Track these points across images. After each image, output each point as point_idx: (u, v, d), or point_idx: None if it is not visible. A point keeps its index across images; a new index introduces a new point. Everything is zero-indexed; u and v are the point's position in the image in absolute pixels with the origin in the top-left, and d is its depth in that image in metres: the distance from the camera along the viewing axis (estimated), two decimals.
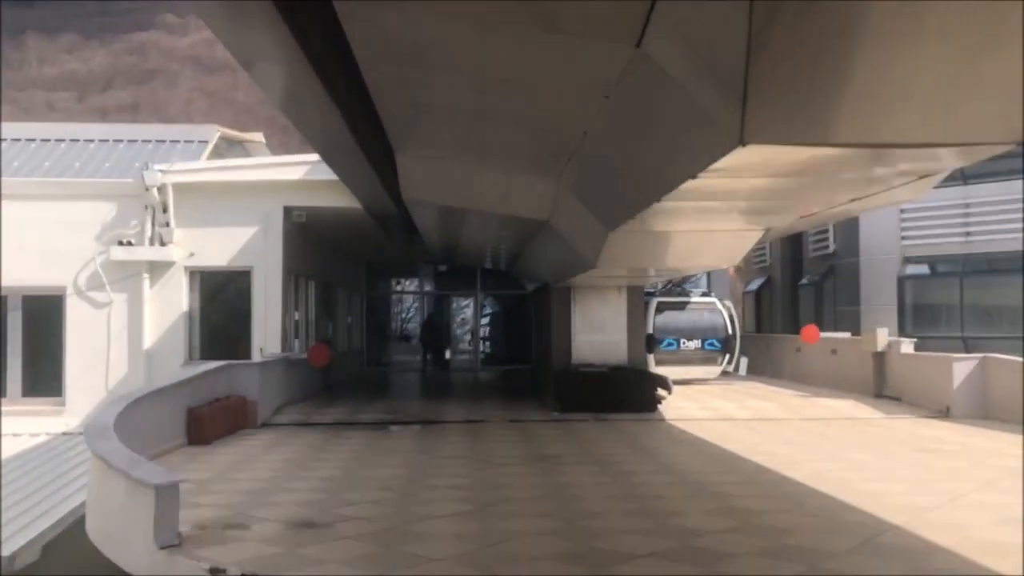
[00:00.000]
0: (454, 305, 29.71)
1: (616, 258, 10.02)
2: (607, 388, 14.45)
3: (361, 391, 19.13)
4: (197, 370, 13.07)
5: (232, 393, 13.23)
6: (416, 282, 27.51)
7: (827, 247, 23.92)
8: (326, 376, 20.71)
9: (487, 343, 30.79)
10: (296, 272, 17.02)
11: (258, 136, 18.05)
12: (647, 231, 8.81)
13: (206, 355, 15.37)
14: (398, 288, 31.16)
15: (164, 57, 64.64)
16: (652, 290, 18.16)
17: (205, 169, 15.30)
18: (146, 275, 15.24)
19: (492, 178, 10.23)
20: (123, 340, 15.12)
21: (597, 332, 15.49)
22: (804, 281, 26.24)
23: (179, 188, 14.92)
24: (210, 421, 11.80)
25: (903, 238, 20.95)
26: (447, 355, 27.32)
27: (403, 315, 35.55)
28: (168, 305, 15.25)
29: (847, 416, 14.04)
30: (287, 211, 15.59)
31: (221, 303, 15.71)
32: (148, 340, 15.19)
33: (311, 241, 18.40)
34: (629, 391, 14.46)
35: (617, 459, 10.40)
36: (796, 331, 25.67)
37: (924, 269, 21.41)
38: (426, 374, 25.32)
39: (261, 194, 15.45)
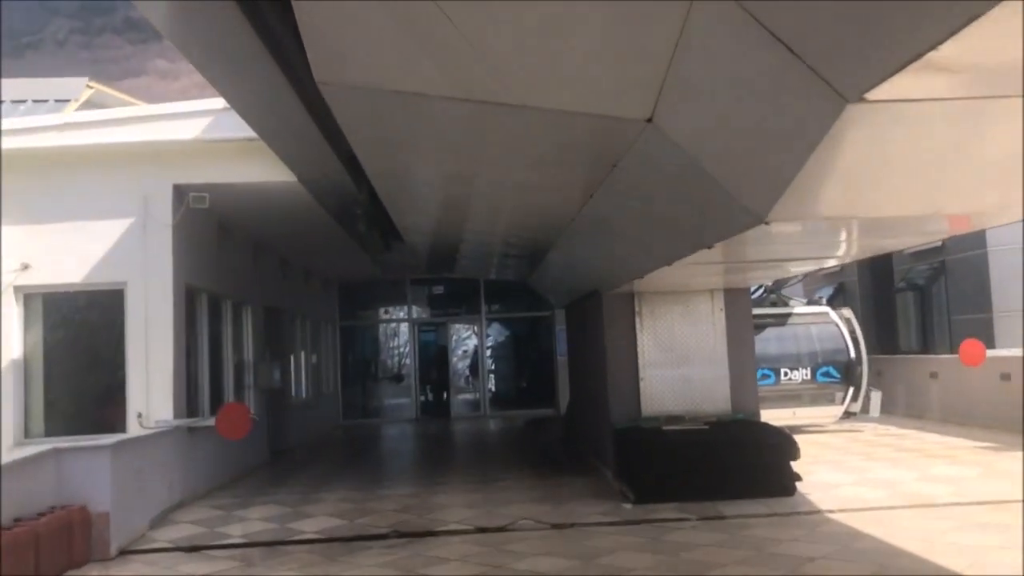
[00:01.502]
0: (453, 335, 23.86)
1: (834, 194, 4.32)
2: (711, 459, 8.61)
3: (322, 462, 13.24)
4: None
5: (62, 502, 7.47)
6: (405, 309, 21.65)
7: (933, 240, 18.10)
8: (277, 440, 14.82)
9: (496, 380, 24.93)
10: (209, 291, 11.23)
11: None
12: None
13: (55, 428, 9.56)
14: (385, 316, 25.37)
15: (156, 101, 61.53)
16: None
17: (40, 129, 9.54)
18: None
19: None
20: None
21: (680, 364, 9.69)
22: (901, 285, 20.47)
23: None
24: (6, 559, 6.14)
25: None
26: (446, 395, 21.43)
27: (392, 349, 29.70)
28: None
29: None
30: (180, 193, 9.84)
31: (78, 343, 9.90)
32: None
33: (240, 249, 12.64)
34: (748, 463, 8.62)
35: None
36: (893, 348, 19.91)
37: None
38: (420, 425, 19.42)
39: (135, 166, 9.72)
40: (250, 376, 13.20)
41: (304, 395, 17.17)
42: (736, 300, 9.88)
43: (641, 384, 9.69)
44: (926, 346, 19.33)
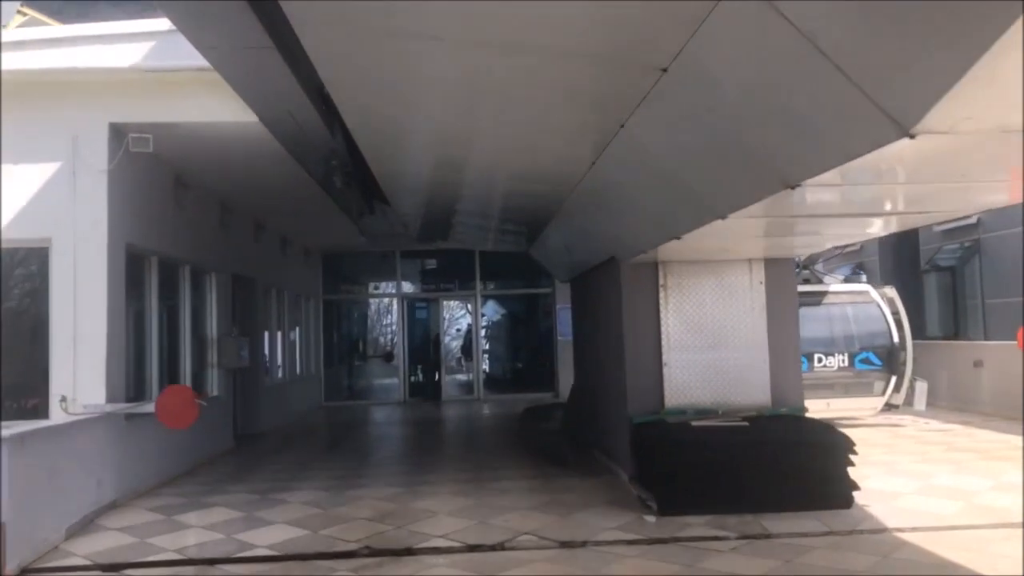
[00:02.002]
0: (446, 312, 22.33)
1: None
2: (752, 462, 7.10)
3: (294, 451, 11.72)
4: None
5: None
6: (394, 283, 20.01)
7: (967, 216, 16.57)
8: (247, 424, 13.31)
9: (491, 361, 23.43)
10: (161, 254, 9.66)
11: None
12: None
13: None
14: (372, 290, 23.76)
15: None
16: None
17: None
18: None
19: None
20: None
21: (711, 346, 8.16)
22: (928, 267, 18.96)
23: None
24: None
25: None
26: (438, 376, 19.91)
27: (380, 326, 28.15)
28: None
29: None
30: (118, 133, 8.23)
31: None
32: None
33: (202, 207, 11.05)
34: (797, 468, 7.11)
35: None
36: (920, 334, 18.42)
37: None
38: (407, 408, 17.91)
39: (61, 99, 8.10)
40: (213, 353, 11.65)
41: (280, 375, 15.63)
42: (778, 272, 8.33)
43: (665, 371, 8.16)
44: (957, 332, 17.84)
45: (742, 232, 6.57)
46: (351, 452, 11.59)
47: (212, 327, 11.70)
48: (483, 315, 20.77)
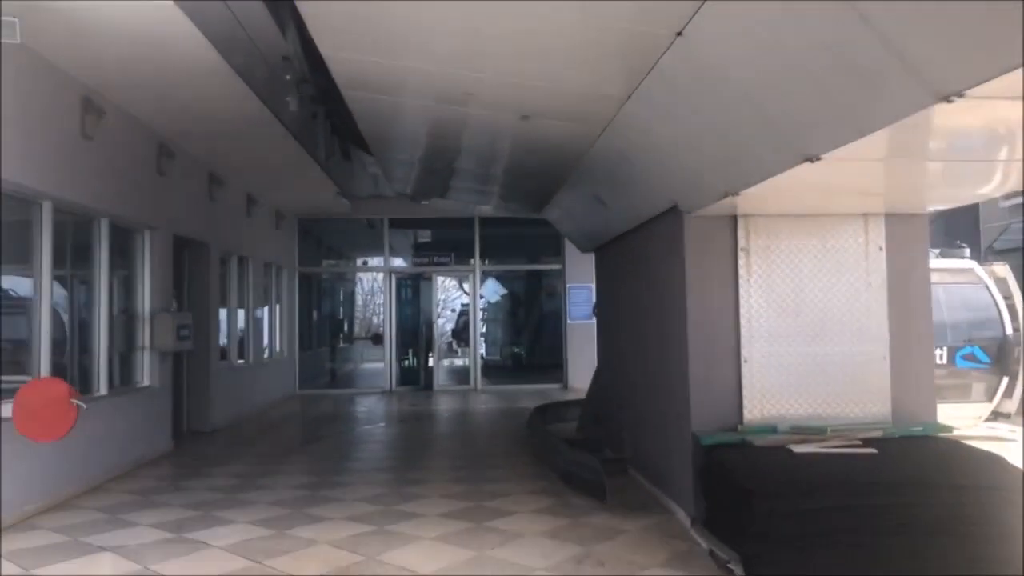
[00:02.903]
0: (440, 290, 19.92)
1: None
2: (891, 512, 4.73)
3: (247, 455, 9.31)
4: None
5: None
6: (381, 255, 17.49)
7: None
8: (193, 419, 10.99)
9: (490, 346, 21.08)
10: (60, 200, 7.23)
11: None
12: None
13: None
14: (357, 263, 21.26)
15: None
16: None
17: None
18: None
19: None
20: None
21: (811, 337, 5.79)
22: (993, 246, 16.63)
23: None
24: None
25: None
26: (430, 362, 17.50)
27: (364, 304, 25.78)
28: None
29: None
30: None
31: None
32: None
33: (129, 145, 8.61)
34: (954, 519, 4.75)
35: None
36: None
37: None
38: (393, 399, 15.55)
39: None
40: (145, 334, 9.25)
41: (242, 359, 13.23)
42: (906, 233, 5.95)
43: (744, 369, 5.79)
44: None
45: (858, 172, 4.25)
46: (319, 457, 9.21)
47: (144, 301, 9.30)
48: (481, 296, 18.32)
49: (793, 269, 5.84)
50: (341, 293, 24.61)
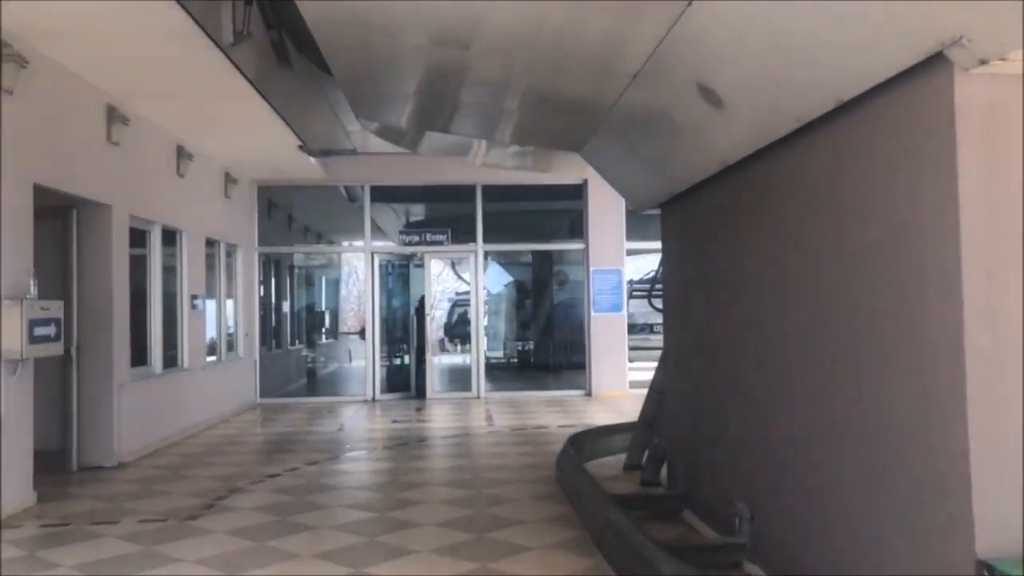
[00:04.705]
0: (434, 275, 16.76)
1: None
2: None
3: (143, 508, 6.05)
4: None
5: None
6: (361, 232, 14.11)
7: None
8: (93, 450, 7.84)
9: (496, 343, 17.93)
10: None
11: None
12: None
13: None
14: (331, 242, 18.05)
15: None
16: None
17: None
18: None
19: None
20: None
21: None
22: None
23: None
24: None
25: None
26: (419, 366, 14.26)
27: (341, 293, 22.55)
28: None
29: None
30: None
31: None
32: None
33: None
34: None
35: None
36: None
37: None
38: (375, 411, 12.36)
39: None
40: None
41: (172, 365, 10.03)
42: None
43: None
44: None
45: None
46: (251, 515, 6.01)
47: None
48: (484, 287, 15.02)
49: None
50: (323, 281, 21.46)
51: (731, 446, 4.99)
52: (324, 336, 21.07)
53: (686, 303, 6.06)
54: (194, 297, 10.60)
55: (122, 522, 5.98)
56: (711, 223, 5.43)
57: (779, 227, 4.27)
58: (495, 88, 6.12)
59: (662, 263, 6.55)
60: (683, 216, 6.05)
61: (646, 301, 18.02)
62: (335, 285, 22.43)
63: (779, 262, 4.26)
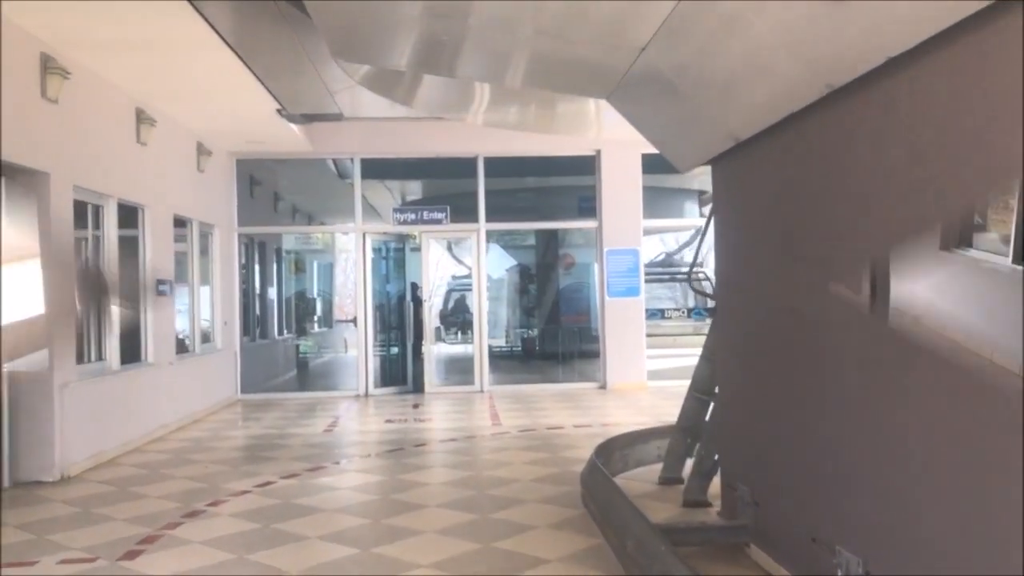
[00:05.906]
0: (432, 258, 15.54)
1: None
2: None
3: (76, 542, 4.82)
4: None
5: None
6: (351, 211, 12.76)
7: None
8: (29, 461, 6.60)
9: (499, 331, 16.69)
10: None
11: None
12: None
13: None
14: (325, 222, 16.66)
15: None
16: None
17: None
18: None
19: None
20: None
21: None
22: None
23: None
24: None
25: None
26: (416, 357, 13.03)
27: (330, 278, 21.29)
28: None
29: None
30: None
31: None
32: None
33: None
34: None
35: None
36: None
37: None
38: (367, 408, 11.15)
39: None
40: None
41: (131, 360, 8.78)
42: None
43: None
44: None
45: None
46: (194, 547, 4.80)
47: None
48: (487, 273, 13.73)
49: None
50: (316, 266, 20.23)
51: (825, 473, 3.74)
52: (317, 324, 19.88)
53: (752, 282, 4.79)
54: (160, 283, 9.36)
55: (40, 562, 4.76)
56: (796, 174, 4.15)
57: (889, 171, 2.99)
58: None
59: (714, 232, 5.27)
60: (746, 170, 4.77)
61: (657, 284, 16.85)
62: (329, 270, 21.21)
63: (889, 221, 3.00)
